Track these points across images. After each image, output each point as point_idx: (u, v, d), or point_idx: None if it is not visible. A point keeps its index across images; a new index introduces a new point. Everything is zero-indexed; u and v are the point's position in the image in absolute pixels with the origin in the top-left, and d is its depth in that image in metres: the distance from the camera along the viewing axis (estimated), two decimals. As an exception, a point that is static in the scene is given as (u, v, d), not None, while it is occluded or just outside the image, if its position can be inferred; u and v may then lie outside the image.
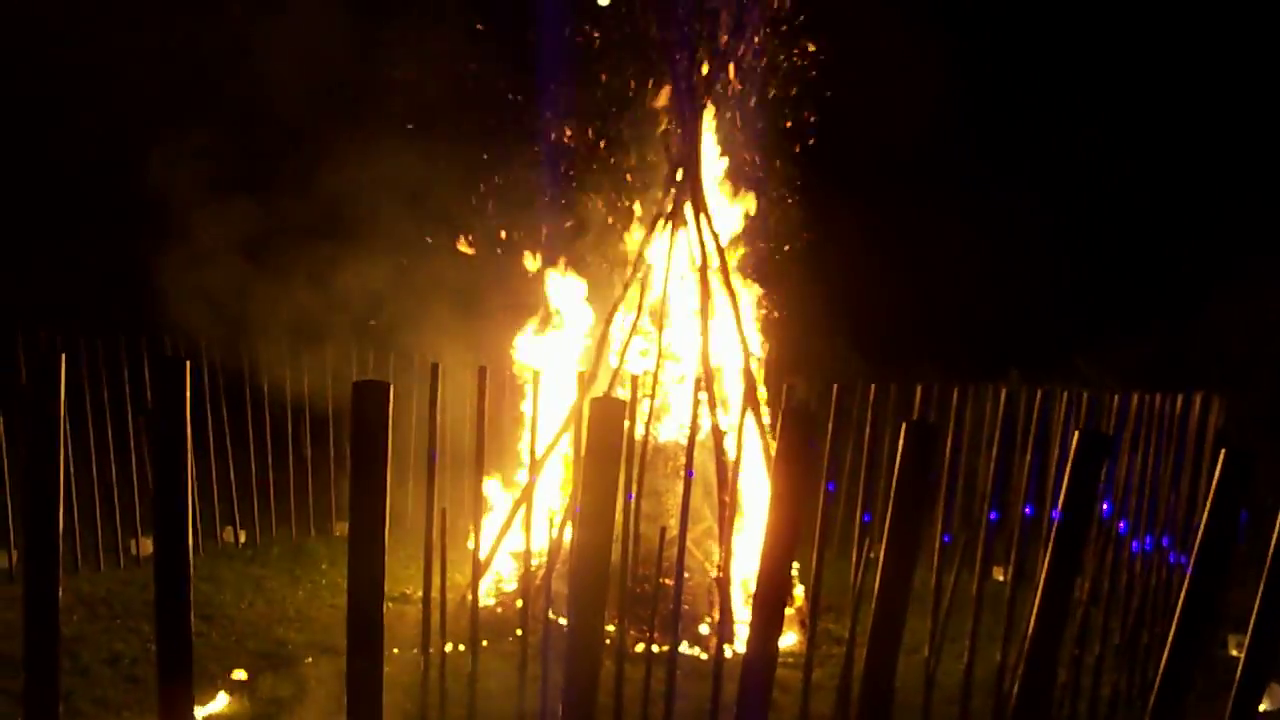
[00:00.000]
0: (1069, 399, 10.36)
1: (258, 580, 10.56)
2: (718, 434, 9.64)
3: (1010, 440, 10.74)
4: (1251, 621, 3.40)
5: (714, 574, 9.23)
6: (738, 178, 10.67)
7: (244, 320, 11.69)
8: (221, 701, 7.24)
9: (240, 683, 7.60)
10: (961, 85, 19.20)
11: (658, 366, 9.76)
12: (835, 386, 8.37)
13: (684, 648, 8.52)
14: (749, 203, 10.63)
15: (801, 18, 10.69)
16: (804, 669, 6.81)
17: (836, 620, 9.45)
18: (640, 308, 10.02)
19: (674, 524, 7.55)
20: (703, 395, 9.44)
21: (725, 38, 10.08)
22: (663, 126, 10.34)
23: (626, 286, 10.16)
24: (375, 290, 11.48)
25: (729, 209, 10.58)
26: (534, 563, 8.07)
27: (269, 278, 11.35)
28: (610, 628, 7.35)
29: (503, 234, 11.39)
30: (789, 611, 9.38)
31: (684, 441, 8.70)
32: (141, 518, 10.61)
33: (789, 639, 9.22)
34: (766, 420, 10.07)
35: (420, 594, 6.88)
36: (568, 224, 10.99)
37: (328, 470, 12.56)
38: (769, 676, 3.21)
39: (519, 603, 8.31)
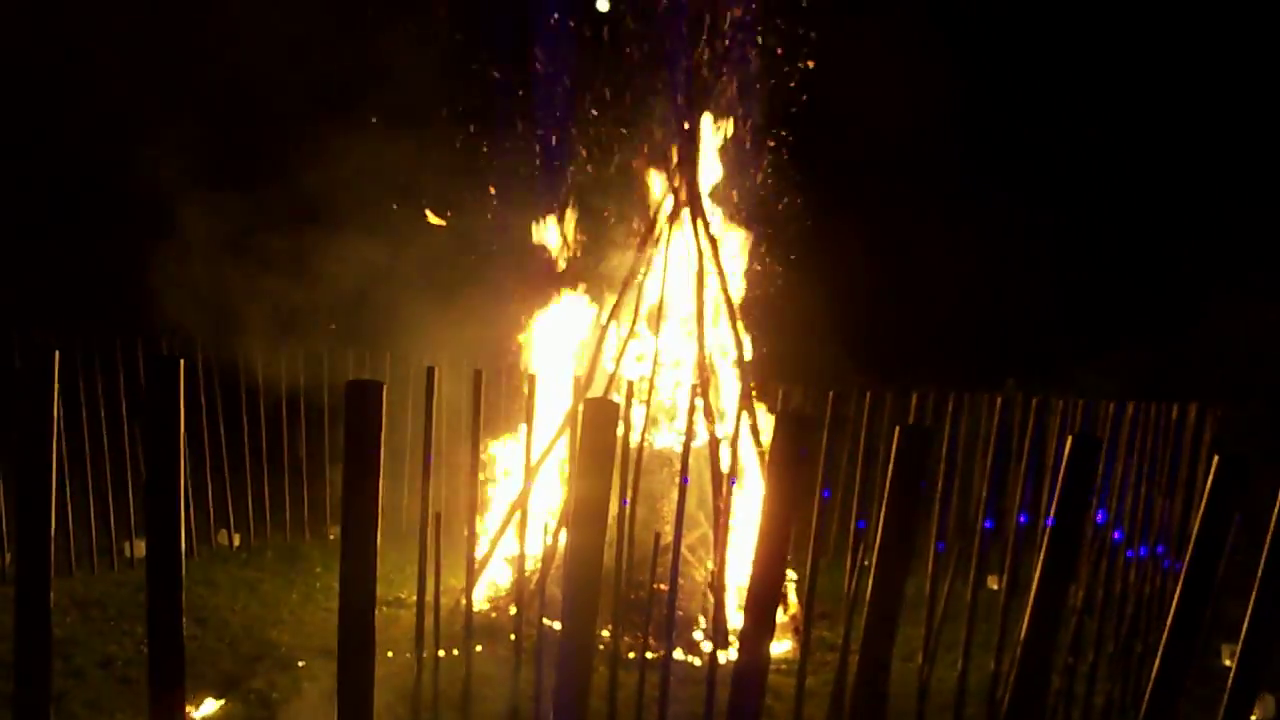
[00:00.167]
0: (1064, 408, 10.37)
1: (251, 583, 10.56)
2: (713, 440, 9.64)
3: (1006, 448, 10.74)
4: (1243, 631, 3.41)
5: (708, 580, 9.23)
6: (736, 184, 10.68)
7: (238, 321, 11.67)
8: (214, 704, 7.23)
9: (233, 685, 7.59)
10: (960, 92, 19.21)
11: (653, 372, 9.76)
12: (831, 393, 8.38)
13: (678, 654, 8.51)
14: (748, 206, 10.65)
15: (799, 29, 10.70)
16: (798, 675, 6.81)
17: (830, 627, 9.44)
18: (637, 312, 10.02)
19: (669, 530, 7.55)
20: (698, 401, 9.44)
21: (725, 41, 10.10)
22: (660, 131, 10.35)
23: (623, 291, 10.16)
24: (373, 288, 11.46)
25: (727, 216, 10.60)
26: (528, 567, 8.06)
27: (264, 276, 11.33)
28: (605, 633, 7.34)
29: (490, 210, 11.33)
30: (783, 618, 9.38)
31: (679, 447, 8.70)
32: (135, 520, 10.60)
33: (783, 645, 9.23)
34: (762, 426, 10.08)
35: (414, 598, 6.87)
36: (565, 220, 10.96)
37: (322, 473, 12.56)
38: (762, 682, 3.20)
39: (513, 608, 8.31)
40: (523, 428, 7.29)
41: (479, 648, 7.37)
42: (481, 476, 9.47)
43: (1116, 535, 8.32)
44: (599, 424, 3.09)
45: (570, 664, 3.10)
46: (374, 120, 11.77)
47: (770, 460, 3.15)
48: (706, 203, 10.31)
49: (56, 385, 3.01)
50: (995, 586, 9.75)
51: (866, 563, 6.89)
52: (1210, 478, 3.29)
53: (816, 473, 7.85)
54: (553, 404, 9.88)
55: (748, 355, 10.20)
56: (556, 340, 10.69)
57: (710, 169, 10.44)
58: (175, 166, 11.50)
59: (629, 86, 10.36)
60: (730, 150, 10.62)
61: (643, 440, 8.64)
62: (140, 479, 10.48)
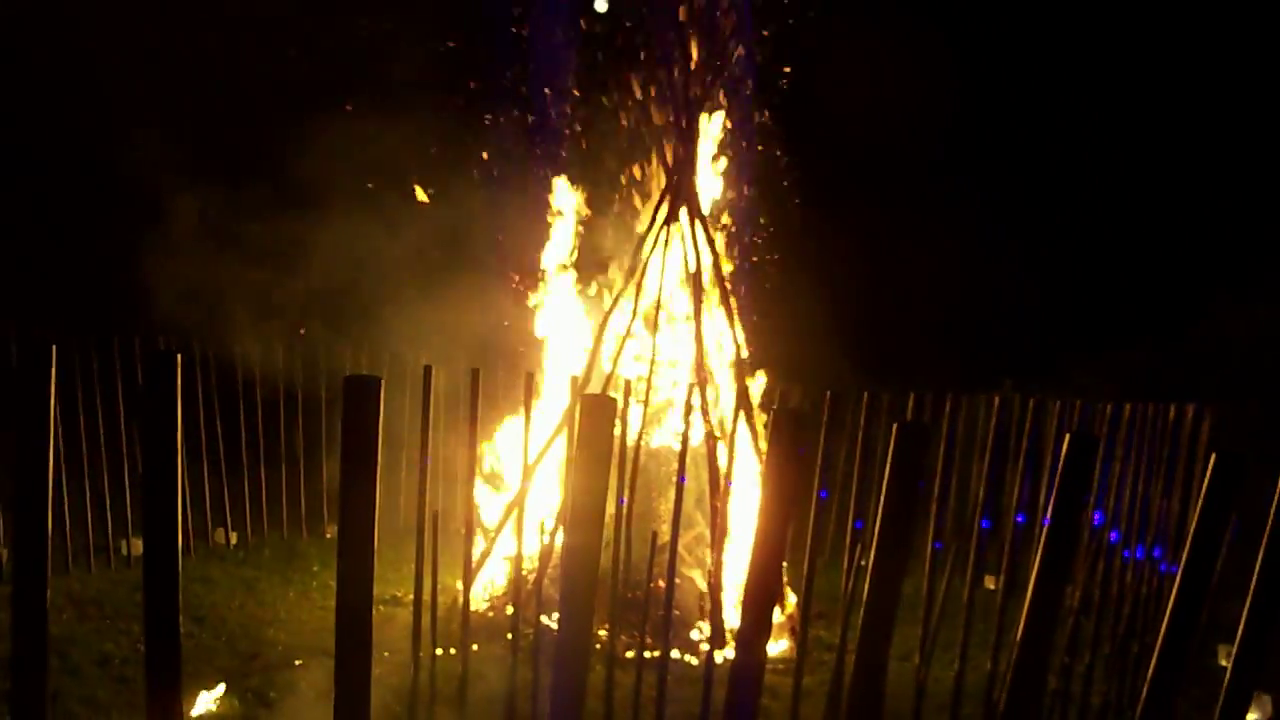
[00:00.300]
0: (1061, 408, 10.38)
1: (248, 582, 10.55)
2: (711, 440, 9.64)
3: (1003, 449, 10.74)
4: (1239, 631, 3.41)
5: (706, 579, 9.23)
6: (732, 183, 10.68)
7: (232, 316, 11.65)
8: (211, 702, 7.23)
9: (230, 683, 7.58)
10: (958, 91, 19.21)
11: (651, 372, 9.75)
12: (828, 393, 8.38)
13: (675, 653, 8.51)
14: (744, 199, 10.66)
15: (792, 22, 10.70)
16: (794, 675, 6.81)
17: (827, 627, 9.44)
18: (634, 312, 10.01)
19: (666, 529, 7.55)
20: (696, 401, 9.45)
21: (722, 40, 10.10)
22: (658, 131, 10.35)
23: (621, 291, 10.16)
24: (366, 277, 11.42)
25: (723, 213, 10.60)
26: (526, 567, 8.06)
27: (257, 269, 11.31)
28: (601, 632, 7.34)
29: (483, 186, 11.29)
30: (780, 618, 9.38)
31: (677, 447, 8.70)
32: (132, 518, 10.60)
33: (780, 645, 9.23)
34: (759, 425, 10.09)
35: (411, 597, 6.86)
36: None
37: (319, 472, 12.55)
38: (759, 682, 3.20)
39: (510, 608, 8.31)
40: (520, 426, 7.29)
41: (476, 647, 7.36)
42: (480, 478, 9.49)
43: (1113, 536, 8.33)
44: (597, 419, 3.09)
45: (567, 663, 3.10)
46: (354, 104, 11.70)
47: (768, 458, 3.15)
48: (704, 201, 10.31)
49: (54, 381, 3.01)
50: (992, 586, 9.76)
51: (863, 563, 6.90)
52: (1207, 476, 3.30)
53: (814, 473, 7.84)
54: (552, 399, 9.90)
55: (745, 354, 10.20)
56: (556, 335, 10.70)
57: (707, 167, 10.44)
58: (162, 155, 11.46)
59: (626, 83, 10.36)
60: (728, 149, 10.63)
61: (640, 439, 8.64)
62: (137, 477, 10.48)
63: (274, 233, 11.18)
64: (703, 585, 9.36)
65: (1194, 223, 21.74)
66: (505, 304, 11.07)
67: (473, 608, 7.64)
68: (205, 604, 9.60)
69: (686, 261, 10.09)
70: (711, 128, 10.42)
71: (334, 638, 3.04)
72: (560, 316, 10.71)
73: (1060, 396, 10.90)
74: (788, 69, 10.87)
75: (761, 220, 11.29)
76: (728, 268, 10.40)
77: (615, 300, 10.14)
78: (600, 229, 10.79)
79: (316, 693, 7.24)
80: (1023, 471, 9.85)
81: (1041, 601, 3.11)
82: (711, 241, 10.17)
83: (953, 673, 7.08)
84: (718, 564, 8.07)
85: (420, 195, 11.20)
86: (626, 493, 7.48)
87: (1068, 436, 3.12)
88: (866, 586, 3.15)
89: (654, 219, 10.15)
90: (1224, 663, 7.95)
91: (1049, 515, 3.12)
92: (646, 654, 7.06)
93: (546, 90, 10.80)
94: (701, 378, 9.79)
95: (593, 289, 10.67)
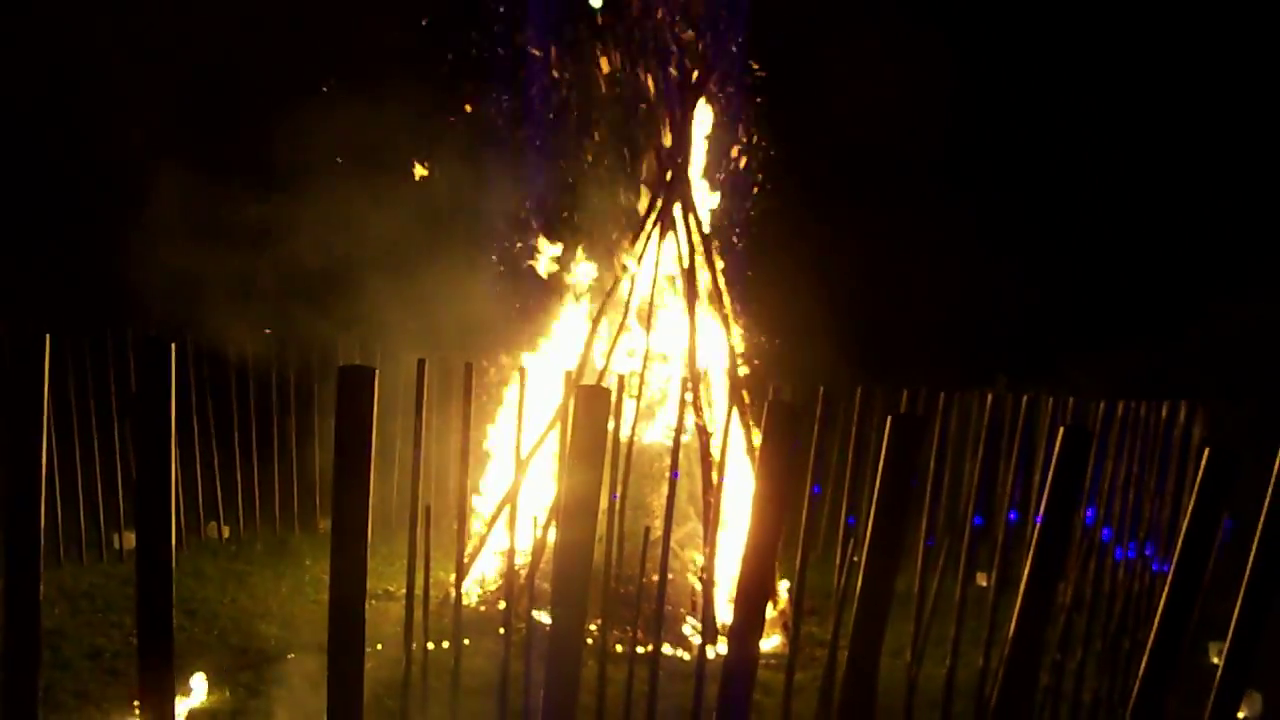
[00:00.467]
0: (1054, 405, 10.39)
1: (241, 575, 10.54)
2: (703, 435, 9.65)
3: (995, 445, 10.75)
4: (1231, 629, 3.41)
5: (698, 574, 9.23)
6: (725, 180, 10.68)
7: (222, 307, 11.60)
8: (203, 696, 7.22)
9: (222, 677, 7.58)
10: (951, 89, 19.21)
11: (644, 367, 9.76)
12: (821, 389, 8.38)
13: (666, 649, 8.51)
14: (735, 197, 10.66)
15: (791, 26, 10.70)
16: (786, 671, 6.82)
17: (820, 623, 9.45)
18: (627, 307, 10.01)
19: (658, 525, 7.55)
20: (688, 396, 9.45)
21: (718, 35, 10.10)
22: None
23: (614, 286, 10.15)
24: (358, 267, 11.37)
25: (715, 208, 10.60)
26: (518, 561, 8.06)
27: (245, 259, 11.26)
28: (593, 627, 7.34)
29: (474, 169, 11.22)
30: (772, 614, 9.39)
31: (669, 442, 8.70)
32: (124, 512, 10.59)
33: (772, 641, 9.23)
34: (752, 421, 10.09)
35: (403, 591, 6.86)
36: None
37: (312, 465, 12.53)
38: (751, 677, 3.20)
39: (502, 602, 8.30)
40: (511, 420, 7.29)
41: (468, 641, 7.35)
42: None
43: (1105, 534, 8.34)
44: (591, 410, 3.08)
45: (559, 658, 3.10)
46: (336, 82, 11.61)
47: (761, 452, 3.14)
48: (697, 197, 10.31)
49: (47, 373, 3.00)
50: (984, 583, 9.76)
51: (856, 559, 6.90)
52: (1201, 472, 3.30)
53: (807, 468, 7.83)
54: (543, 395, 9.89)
55: (738, 349, 10.21)
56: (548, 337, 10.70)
57: (700, 161, 10.44)
58: (141, 139, 11.40)
59: (620, 79, 10.35)
60: (721, 144, 10.63)
61: (633, 434, 8.64)
62: (129, 472, 10.48)
63: (258, 217, 11.09)
64: (695, 581, 9.36)
65: (1190, 222, 21.76)
66: (493, 289, 11.03)
67: (465, 602, 7.64)
68: (197, 598, 9.59)
69: (680, 255, 10.09)
70: (706, 121, 10.41)
71: (326, 631, 3.04)
72: (555, 312, 10.71)
73: (1053, 394, 10.92)
74: (757, 65, 10.84)
75: (753, 213, 11.27)
76: (721, 263, 10.40)
77: (608, 294, 10.14)
78: (590, 222, 10.79)
79: (309, 686, 7.23)
80: (1015, 468, 9.84)
81: (1034, 596, 3.12)
82: (705, 236, 10.16)
83: (944, 669, 7.09)
84: (710, 559, 8.07)
85: (420, 171, 11.12)
86: (619, 487, 7.48)
87: (1062, 430, 3.12)
88: (860, 582, 3.15)
89: (647, 213, 10.15)
90: (1215, 660, 7.99)
91: (1043, 510, 3.12)
92: (638, 649, 7.07)
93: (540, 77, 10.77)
94: (694, 372, 9.79)
95: (586, 284, 10.67)
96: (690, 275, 10.02)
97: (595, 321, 10.10)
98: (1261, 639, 3.40)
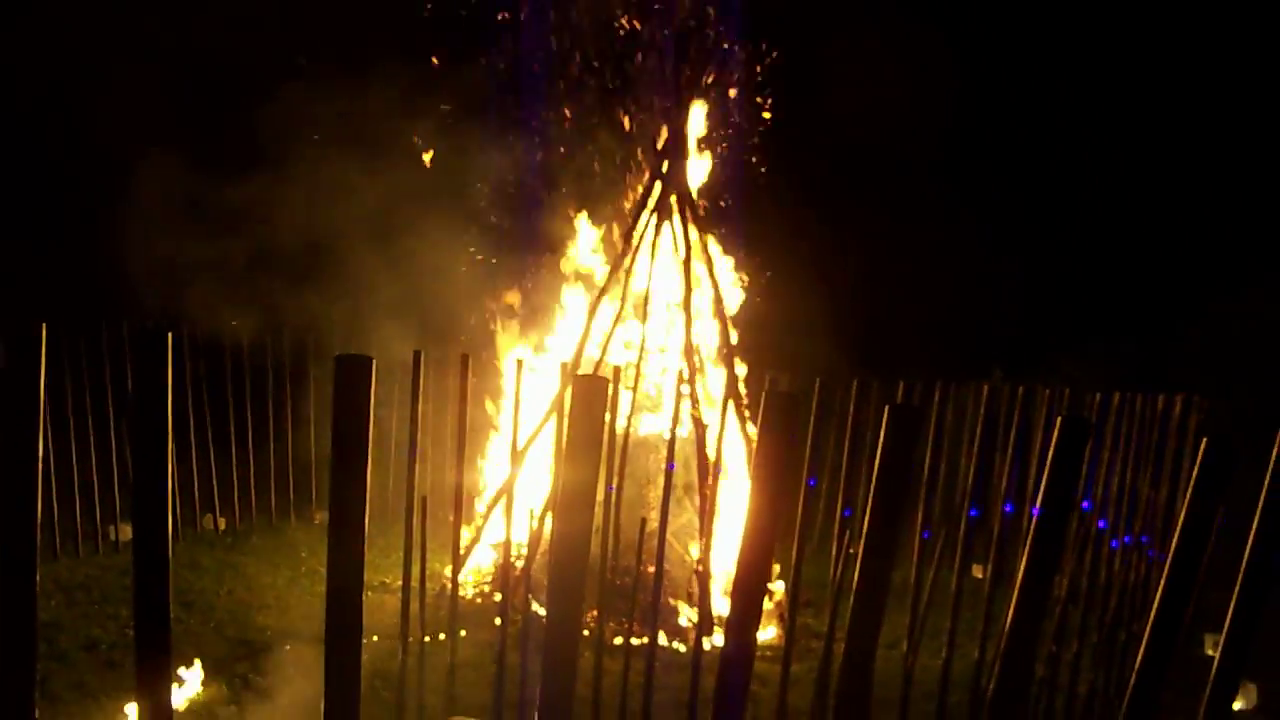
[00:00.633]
0: (1051, 397, 10.40)
1: (237, 567, 10.55)
2: (700, 427, 9.65)
3: (991, 437, 10.76)
4: (1227, 620, 3.42)
5: (694, 566, 9.24)
6: (721, 172, 10.68)
7: (218, 300, 11.57)
8: (200, 688, 7.23)
9: (219, 669, 7.58)
10: (950, 86, 19.20)
11: (640, 358, 9.76)
12: (818, 380, 8.39)
13: (662, 640, 8.52)
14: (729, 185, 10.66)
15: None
16: (782, 662, 6.82)
17: (816, 615, 9.47)
18: (624, 299, 10.01)
19: (654, 516, 7.56)
20: (685, 388, 9.45)
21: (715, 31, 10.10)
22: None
23: (610, 277, 10.15)
24: (350, 258, 11.33)
25: (715, 204, 10.60)
26: (514, 553, 8.06)
27: (240, 250, 11.22)
28: (589, 619, 7.35)
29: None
30: (768, 605, 9.39)
31: (665, 434, 8.70)
32: (121, 504, 10.59)
33: (768, 632, 9.24)
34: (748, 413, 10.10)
35: (400, 583, 6.86)
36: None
37: (308, 457, 12.53)
38: (748, 669, 3.20)
39: (497, 595, 8.32)
40: (509, 413, 7.29)
41: (464, 633, 7.36)
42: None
43: (1101, 524, 8.35)
44: (589, 400, 3.08)
45: (556, 650, 3.10)
46: (311, 59, 11.51)
47: (758, 442, 3.14)
48: (694, 189, 10.31)
49: (43, 364, 2.99)
50: (980, 575, 9.78)
51: (852, 550, 6.90)
52: (1198, 461, 3.30)
53: (803, 460, 7.84)
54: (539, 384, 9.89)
55: (734, 342, 10.21)
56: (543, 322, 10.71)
57: (698, 156, 10.43)
58: (125, 124, 11.34)
59: (618, 72, 10.34)
60: (718, 138, 10.62)
61: (629, 426, 8.64)
62: (125, 464, 10.48)
63: (243, 200, 10.99)
64: (691, 573, 9.37)
65: (1185, 217, 21.77)
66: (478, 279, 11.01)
67: (461, 594, 7.65)
68: (194, 590, 9.59)
69: (676, 248, 10.09)
70: (701, 114, 10.40)
71: (323, 622, 3.03)
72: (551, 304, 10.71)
73: (1049, 386, 10.93)
74: (757, 55, 10.83)
75: (751, 210, 11.27)
76: (716, 254, 10.40)
77: (604, 286, 10.14)
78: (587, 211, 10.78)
79: (305, 677, 7.24)
80: (1011, 460, 9.85)
81: (1031, 587, 3.12)
82: (701, 228, 10.16)
83: (940, 661, 7.09)
84: (706, 551, 8.08)
85: (426, 158, 11.05)
86: (615, 479, 7.48)
87: (1059, 420, 3.12)
88: (856, 573, 3.15)
89: (643, 205, 10.15)
90: (1210, 652, 7.99)
91: (1040, 500, 3.12)
92: (634, 640, 7.07)
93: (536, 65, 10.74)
94: (691, 365, 9.80)
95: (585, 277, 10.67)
96: (686, 266, 10.01)
97: (591, 312, 10.10)
98: (1257, 631, 3.41)
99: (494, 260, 11.20)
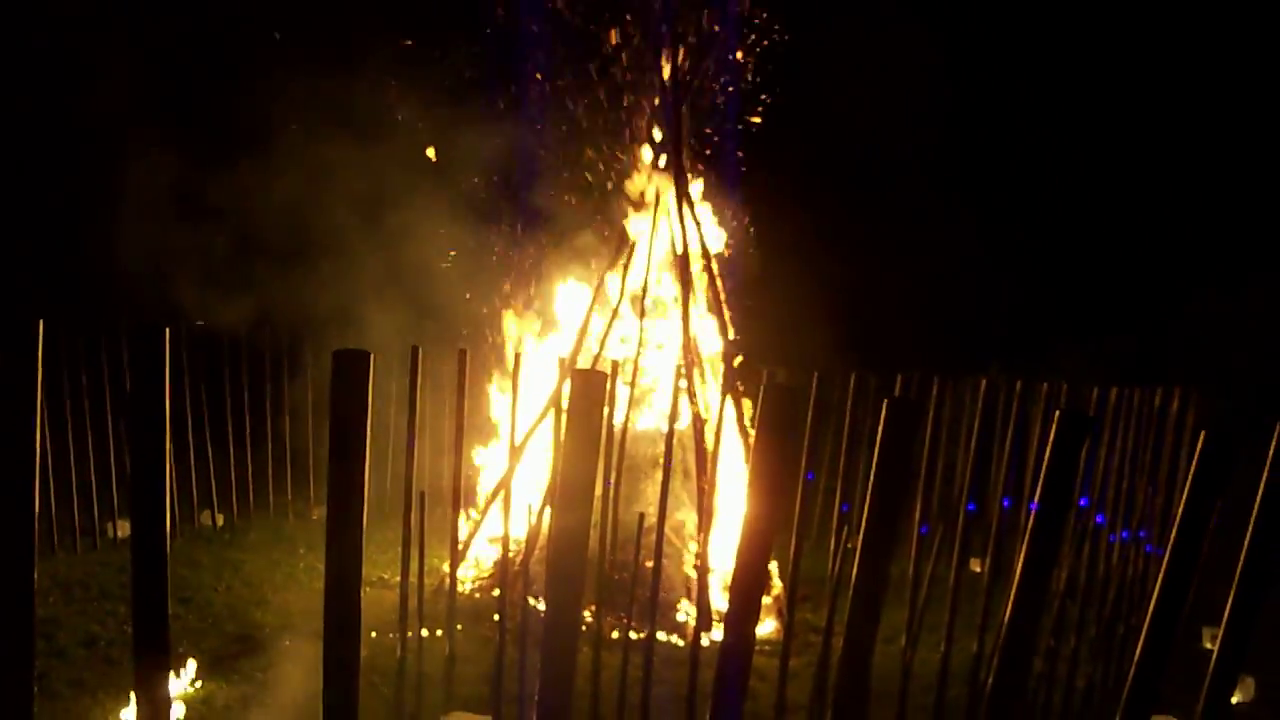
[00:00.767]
0: (1048, 391, 10.40)
1: (235, 563, 10.54)
2: (698, 421, 9.65)
3: (989, 432, 10.74)
4: (1225, 614, 3.42)
5: (692, 561, 9.24)
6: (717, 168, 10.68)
7: (217, 297, 11.54)
8: (198, 683, 7.22)
9: (217, 665, 7.58)
10: (948, 82, 19.22)
11: (638, 353, 9.75)
12: (815, 374, 8.38)
13: (661, 635, 8.53)
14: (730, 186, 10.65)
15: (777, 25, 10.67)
16: (781, 657, 6.82)
17: (814, 610, 9.47)
18: (622, 294, 10.01)
19: (652, 511, 7.55)
20: (682, 383, 9.44)
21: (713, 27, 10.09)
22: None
23: (608, 273, 10.15)
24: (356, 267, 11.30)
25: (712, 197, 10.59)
26: (512, 548, 8.06)
27: (238, 249, 11.19)
28: (588, 614, 7.35)
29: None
30: (767, 600, 9.40)
31: (663, 429, 8.70)
32: (119, 500, 10.58)
33: (767, 627, 9.25)
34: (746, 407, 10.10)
35: (398, 579, 6.86)
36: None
37: (305, 453, 12.53)
38: (747, 663, 3.20)
39: (495, 590, 8.31)
40: (506, 408, 7.28)
41: (462, 628, 7.36)
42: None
43: (1099, 519, 8.35)
44: (587, 395, 3.08)
45: (555, 644, 3.10)
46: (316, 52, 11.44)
47: (757, 432, 3.14)
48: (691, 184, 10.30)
49: (40, 358, 2.99)
50: (978, 569, 9.78)
51: (850, 545, 6.91)
52: (1197, 453, 3.30)
53: (801, 455, 7.83)
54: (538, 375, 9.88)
55: (732, 337, 10.20)
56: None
57: (694, 150, 10.43)
58: (114, 114, 11.29)
59: (616, 67, 10.33)
60: (716, 131, 10.62)
61: (627, 420, 8.64)
62: (122, 460, 10.47)
63: (237, 192, 10.93)
64: (689, 568, 9.37)
65: (1182, 213, 21.80)
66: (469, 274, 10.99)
67: (460, 589, 7.65)
68: (192, 586, 9.59)
69: (674, 243, 10.08)
70: (698, 109, 10.40)
71: (321, 618, 3.03)
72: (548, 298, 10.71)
73: (1047, 380, 10.93)
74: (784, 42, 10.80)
75: (749, 204, 11.26)
76: (715, 250, 10.39)
77: (602, 281, 10.14)
78: (584, 207, 10.77)
79: (304, 672, 7.24)
80: (1009, 455, 9.85)
81: (1030, 579, 3.12)
82: (698, 223, 10.15)
83: (939, 655, 7.09)
84: (704, 545, 8.07)
85: (430, 154, 11.00)
86: (613, 474, 7.48)
87: (1058, 414, 3.11)
88: (855, 566, 3.15)
89: (641, 201, 10.14)
90: (1209, 645, 8.01)
91: (1039, 494, 3.11)
92: (633, 635, 7.07)
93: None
94: (689, 360, 9.79)
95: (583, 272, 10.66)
96: (684, 262, 10.01)
97: (589, 308, 10.09)
98: (1256, 624, 3.41)
99: (495, 252, 11.17)
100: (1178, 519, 3.31)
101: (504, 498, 7.33)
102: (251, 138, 11.00)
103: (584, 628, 7.59)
